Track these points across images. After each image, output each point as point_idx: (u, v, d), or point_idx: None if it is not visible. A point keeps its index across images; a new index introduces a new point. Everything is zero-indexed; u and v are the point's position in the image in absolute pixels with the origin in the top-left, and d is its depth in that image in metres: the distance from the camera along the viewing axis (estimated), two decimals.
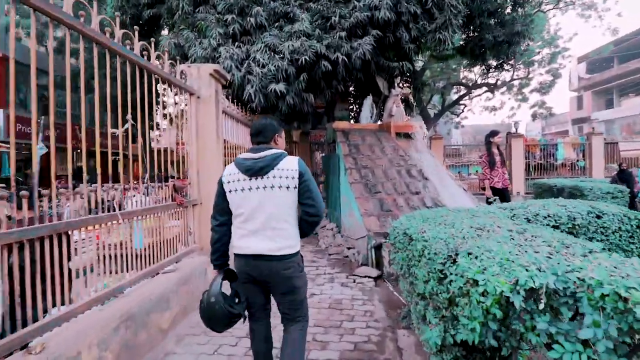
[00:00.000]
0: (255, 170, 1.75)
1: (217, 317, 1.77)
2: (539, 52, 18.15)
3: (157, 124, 4.74)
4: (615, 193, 6.29)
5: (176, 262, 3.40)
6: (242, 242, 1.80)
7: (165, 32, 8.24)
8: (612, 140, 12.31)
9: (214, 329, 1.86)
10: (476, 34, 8.47)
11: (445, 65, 17.54)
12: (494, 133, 5.57)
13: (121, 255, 2.47)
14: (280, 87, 5.14)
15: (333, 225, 6.74)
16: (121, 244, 2.51)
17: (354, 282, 4.18)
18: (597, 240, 3.19)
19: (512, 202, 3.57)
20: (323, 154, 9.34)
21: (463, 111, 22.53)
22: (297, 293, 1.86)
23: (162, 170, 3.05)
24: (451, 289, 1.44)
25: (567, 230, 3.10)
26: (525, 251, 1.45)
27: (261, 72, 5.07)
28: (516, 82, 19.52)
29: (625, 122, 26.36)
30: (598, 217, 3.21)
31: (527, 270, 1.20)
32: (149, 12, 7.71)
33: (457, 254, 1.55)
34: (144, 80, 2.79)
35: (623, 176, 7.44)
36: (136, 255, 2.67)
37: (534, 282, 1.14)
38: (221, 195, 1.85)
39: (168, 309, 2.93)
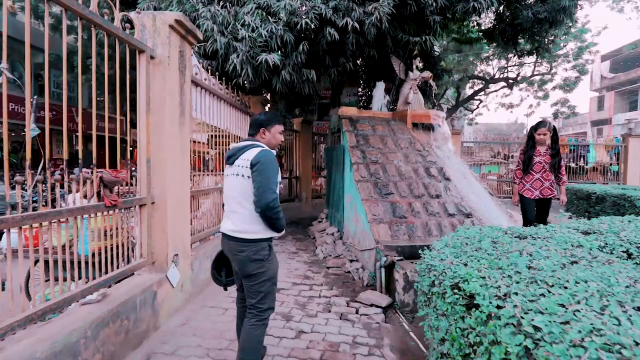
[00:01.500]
0: (227, 158, 1.99)
1: (212, 278, 2.18)
2: (564, 46, 16.68)
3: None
4: None
5: (109, 287, 2.42)
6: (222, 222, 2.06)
7: None
8: None
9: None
10: (511, 12, 7.25)
11: (462, 57, 16.24)
12: (539, 125, 4.22)
13: None
14: (274, 57, 4.06)
15: (334, 229, 5.72)
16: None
17: (357, 312, 3.17)
18: None
19: (593, 221, 2.51)
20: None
21: (478, 107, 21.17)
22: (252, 280, 1.90)
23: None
24: None
25: None
26: None
27: (249, 36, 3.99)
28: (537, 78, 18.12)
29: None
30: None
31: None
32: None
33: None
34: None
35: None
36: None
37: None
38: None
39: None
